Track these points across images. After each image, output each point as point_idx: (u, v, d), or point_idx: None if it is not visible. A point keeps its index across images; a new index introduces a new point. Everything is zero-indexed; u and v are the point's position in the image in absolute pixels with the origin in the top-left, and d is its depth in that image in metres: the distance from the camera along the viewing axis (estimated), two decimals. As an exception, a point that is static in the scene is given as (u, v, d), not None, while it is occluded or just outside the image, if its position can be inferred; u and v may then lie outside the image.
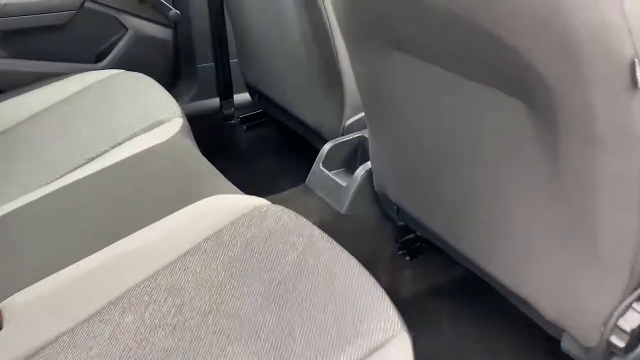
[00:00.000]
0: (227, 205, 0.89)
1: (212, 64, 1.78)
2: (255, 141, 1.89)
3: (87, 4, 1.49)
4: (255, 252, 0.76)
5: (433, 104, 0.87)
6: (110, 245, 0.80)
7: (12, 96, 1.38)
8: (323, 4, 1.20)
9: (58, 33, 1.49)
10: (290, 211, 0.83)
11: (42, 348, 0.68)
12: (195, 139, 1.19)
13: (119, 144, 1.11)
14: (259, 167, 1.76)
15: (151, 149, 1.08)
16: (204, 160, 1.09)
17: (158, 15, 1.64)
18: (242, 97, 1.88)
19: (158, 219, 0.87)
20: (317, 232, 0.78)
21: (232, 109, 1.87)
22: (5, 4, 1.37)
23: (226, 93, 1.84)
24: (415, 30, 0.78)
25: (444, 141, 0.89)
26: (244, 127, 1.89)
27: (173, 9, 1.62)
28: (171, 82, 1.78)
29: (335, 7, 0.93)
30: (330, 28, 1.21)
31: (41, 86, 1.41)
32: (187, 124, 1.20)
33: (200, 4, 1.67)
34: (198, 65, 1.77)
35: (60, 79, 1.43)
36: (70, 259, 0.78)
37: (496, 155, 0.80)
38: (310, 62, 1.32)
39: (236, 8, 1.55)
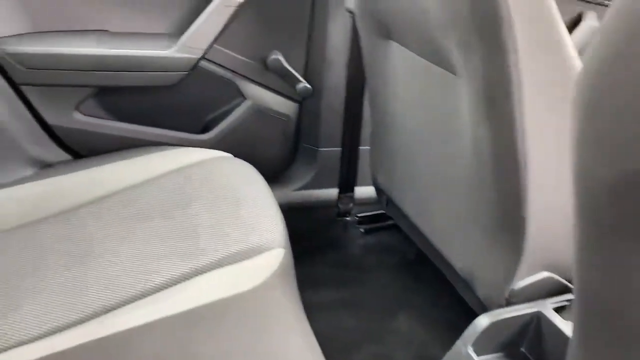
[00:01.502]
0: None
1: (338, 149, 1.45)
2: (372, 249, 1.51)
3: (203, 64, 1.22)
4: None
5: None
6: None
7: (98, 163, 1.13)
8: (520, 110, 0.80)
9: (162, 95, 1.23)
10: None
11: None
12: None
13: (198, 272, 0.78)
14: (371, 284, 1.38)
15: (236, 296, 0.74)
16: (299, 314, 0.73)
17: (284, 86, 1.34)
18: (365, 191, 1.52)
19: None
20: None
21: (351, 205, 1.52)
22: (105, 56, 1.13)
23: (347, 185, 1.50)
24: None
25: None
26: (362, 229, 1.53)
27: (304, 81, 1.31)
28: (285, 163, 1.47)
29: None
30: (525, 151, 0.81)
31: (132, 156, 1.15)
32: (291, 256, 0.85)
33: (337, 80, 1.35)
34: (320, 149, 1.44)
35: (156, 150, 1.17)
36: None
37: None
38: (478, 190, 0.92)
39: (379, 91, 1.20)
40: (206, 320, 0.74)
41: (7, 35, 1.09)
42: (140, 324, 0.72)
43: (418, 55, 0.96)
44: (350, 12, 1.20)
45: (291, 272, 0.85)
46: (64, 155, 1.21)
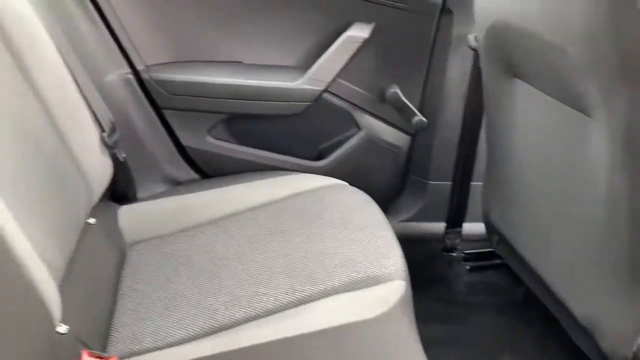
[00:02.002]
0: None
1: (448, 183, 1.45)
2: (478, 287, 1.49)
3: (325, 96, 1.28)
4: None
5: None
6: None
7: (224, 184, 1.21)
8: None
9: (282, 122, 1.30)
10: None
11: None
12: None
13: (322, 295, 0.82)
14: (476, 323, 1.35)
15: (360, 323, 0.76)
16: (417, 348, 0.74)
17: (398, 118, 1.37)
18: (473, 227, 1.50)
19: None
20: None
21: (458, 240, 1.51)
22: (239, 85, 1.22)
23: (456, 220, 1.49)
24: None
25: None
26: (468, 267, 1.50)
27: (419, 115, 1.33)
28: (393, 194, 1.49)
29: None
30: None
31: (255, 179, 1.23)
32: (410, 288, 0.86)
33: (452, 114, 1.36)
34: (430, 182, 1.45)
35: (273, 175, 1.23)
36: None
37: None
38: (610, 236, 0.89)
39: (500, 128, 1.19)
40: (328, 342, 0.77)
41: (154, 63, 1.21)
42: (265, 341, 0.76)
43: (547, 94, 0.95)
44: (474, 49, 1.21)
45: (410, 304, 0.86)
46: (193, 175, 1.31)
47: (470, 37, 1.22)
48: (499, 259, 1.46)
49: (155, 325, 0.80)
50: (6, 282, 0.62)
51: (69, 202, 0.88)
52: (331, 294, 0.80)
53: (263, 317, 0.79)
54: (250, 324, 0.78)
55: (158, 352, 0.76)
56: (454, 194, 1.45)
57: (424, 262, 1.52)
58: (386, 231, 0.97)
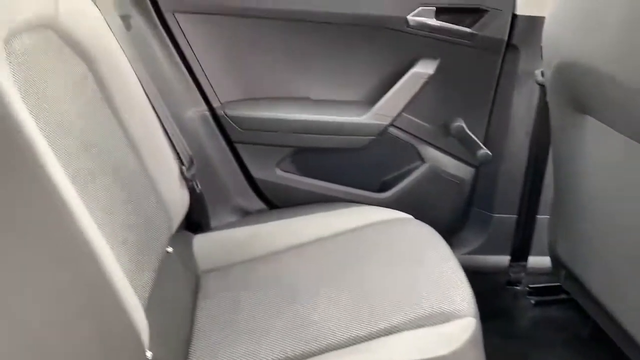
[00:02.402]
0: None
1: (514, 216, 1.44)
2: (543, 322, 1.46)
3: (390, 130, 1.31)
4: None
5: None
6: None
7: (286, 215, 1.25)
8: None
9: (348, 156, 1.34)
10: None
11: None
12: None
13: (386, 332, 0.83)
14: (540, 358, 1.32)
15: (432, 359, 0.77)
16: None
17: (462, 150, 1.38)
18: (538, 261, 1.48)
19: None
20: None
21: (523, 274, 1.49)
22: (306, 120, 1.27)
23: (520, 254, 1.47)
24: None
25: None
26: (532, 301, 1.48)
27: (484, 148, 1.34)
28: (456, 225, 1.49)
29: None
30: None
31: (318, 209, 1.26)
32: (480, 328, 0.87)
33: (517, 147, 1.36)
34: (495, 215, 1.44)
35: (339, 207, 1.26)
36: None
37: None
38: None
39: (568, 163, 1.18)
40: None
41: (229, 100, 1.28)
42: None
43: (619, 132, 0.94)
44: (540, 84, 1.22)
45: (481, 341, 0.86)
46: (262, 205, 1.36)
47: (537, 73, 1.22)
48: (565, 294, 1.43)
49: (233, 351, 0.84)
50: (101, 309, 0.68)
51: (152, 232, 0.94)
52: (401, 330, 0.82)
53: (335, 350, 0.81)
54: (327, 355, 0.80)
55: None
56: (519, 227, 1.44)
57: (488, 296, 1.49)
58: (453, 266, 0.98)
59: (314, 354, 0.82)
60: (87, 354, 0.65)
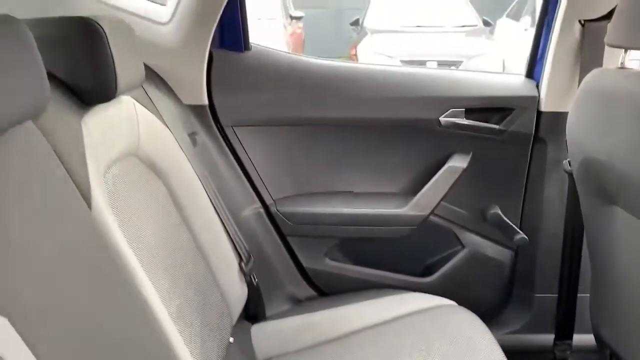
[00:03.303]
0: None
1: (554, 295, 1.48)
2: (593, 402, 1.46)
3: (431, 218, 1.41)
4: None
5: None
6: None
7: (336, 302, 1.33)
8: None
9: (392, 243, 1.44)
10: None
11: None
12: None
13: None
14: None
15: None
16: None
17: (500, 235, 1.46)
18: (583, 339, 1.50)
19: None
20: None
21: (568, 353, 1.51)
22: (351, 213, 1.38)
23: (564, 332, 1.50)
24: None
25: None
26: (581, 380, 1.49)
27: (521, 233, 1.42)
28: (499, 306, 1.54)
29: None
30: None
31: (366, 296, 1.34)
32: None
33: (553, 229, 1.43)
34: (536, 295, 1.49)
35: (386, 294, 1.34)
36: None
37: None
38: None
39: (601, 251, 1.24)
40: None
41: (280, 197, 1.41)
42: None
43: None
44: (568, 173, 1.30)
45: None
46: (312, 292, 1.46)
47: (565, 163, 1.31)
48: (615, 373, 1.44)
49: None
50: None
51: (216, 325, 1.04)
52: None
53: None
54: None
55: None
56: (561, 305, 1.48)
57: (535, 376, 1.52)
58: (499, 354, 1.04)
59: None
60: None
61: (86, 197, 0.71)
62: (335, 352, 1.16)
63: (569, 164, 1.28)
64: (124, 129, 0.91)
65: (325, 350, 1.17)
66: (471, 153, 1.38)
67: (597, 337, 1.40)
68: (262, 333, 1.27)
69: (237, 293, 1.18)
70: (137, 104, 0.97)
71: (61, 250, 0.60)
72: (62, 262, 0.59)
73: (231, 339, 1.12)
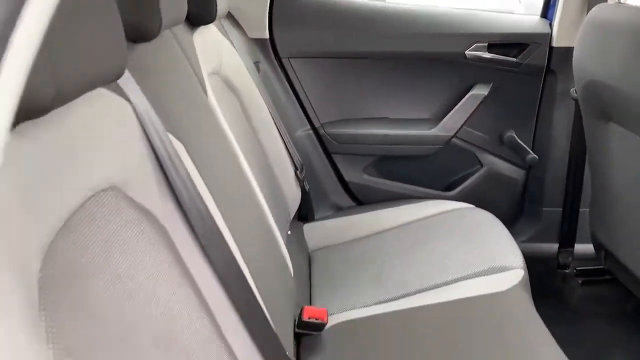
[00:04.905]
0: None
1: (559, 209, 1.72)
2: (589, 299, 1.72)
3: (453, 141, 1.65)
4: None
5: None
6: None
7: (371, 210, 1.59)
8: None
9: (420, 161, 1.68)
10: None
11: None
12: None
13: (456, 280, 1.16)
14: (586, 329, 1.58)
15: (490, 296, 1.09)
16: (539, 322, 1.04)
17: (514, 156, 1.69)
18: (583, 248, 1.75)
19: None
20: None
21: (570, 259, 1.76)
22: (386, 135, 1.63)
23: (567, 241, 1.75)
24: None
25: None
26: (579, 281, 1.75)
27: (532, 153, 1.65)
28: (512, 219, 1.78)
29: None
30: None
31: (397, 205, 1.59)
32: (527, 277, 1.17)
33: (560, 152, 1.66)
34: (544, 209, 1.74)
35: (414, 202, 1.59)
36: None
37: None
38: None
39: (600, 165, 1.48)
40: (474, 308, 1.09)
41: (326, 121, 1.66)
42: (427, 304, 1.11)
43: (637, 134, 1.22)
44: (575, 99, 1.52)
45: (528, 287, 1.17)
46: (351, 202, 1.72)
47: (572, 91, 1.53)
48: (609, 275, 1.68)
49: (344, 292, 1.18)
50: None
51: (282, 216, 1.31)
52: (469, 278, 1.15)
53: (422, 292, 1.15)
54: (413, 296, 1.14)
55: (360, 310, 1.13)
56: (565, 218, 1.72)
57: (540, 278, 1.77)
58: (507, 237, 1.29)
59: (399, 298, 1.15)
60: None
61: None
62: (371, 244, 1.42)
63: (575, 92, 1.50)
64: (215, 50, 1.16)
65: (362, 242, 1.44)
66: (491, 83, 1.61)
67: (594, 241, 1.65)
68: (311, 230, 1.54)
69: (293, 194, 1.44)
70: (219, 32, 1.22)
71: None
72: None
73: (289, 232, 1.39)
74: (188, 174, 0.68)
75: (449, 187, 1.73)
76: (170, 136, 0.66)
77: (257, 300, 0.77)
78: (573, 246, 1.75)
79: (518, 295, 1.11)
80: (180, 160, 0.67)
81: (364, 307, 1.14)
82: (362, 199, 1.72)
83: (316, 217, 1.63)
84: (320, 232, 1.54)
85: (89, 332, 0.43)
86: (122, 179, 0.54)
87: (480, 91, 1.60)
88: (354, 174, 1.69)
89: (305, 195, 1.52)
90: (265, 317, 0.78)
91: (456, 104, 1.61)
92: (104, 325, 0.45)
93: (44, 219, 0.41)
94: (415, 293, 1.15)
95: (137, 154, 0.59)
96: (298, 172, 1.47)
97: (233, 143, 1.00)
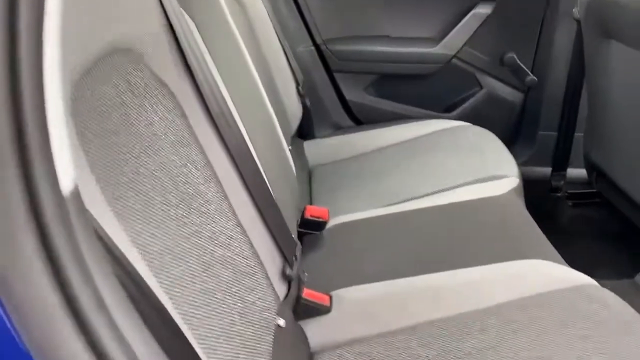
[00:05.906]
0: (549, 273, 0.88)
1: (555, 133, 1.76)
2: (579, 220, 1.78)
3: (454, 61, 1.65)
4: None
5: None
6: (435, 274, 0.88)
7: (371, 129, 1.62)
8: None
9: (420, 82, 1.70)
10: (624, 302, 0.78)
11: (353, 341, 0.79)
12: None
13: (453, 187, 1.20)
14: (576, 247, 1.65)
15: (485, 199, 1.14)
16: (532, 223, 1.09)
17: (514, 78, 1.71)
18: (575, 172, 1.79)
19: (477, 264, 0.92)
20: None
21: (562, 182, 1.81)
22: (388, 52, 1.63)
23: (560, 165, 1.79)
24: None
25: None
26: (570, 203, 1.80)
27: (531, 75, 1.66)
28: (509, 141, 1.81)
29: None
30: None
31: (396, 124, 1.62)
32: (522, 185, 1.22)
33: (559, 74, 1.67)
34: (540, 132, 1.77)
35: (413, 122, 1.62)
36: (399, 273, 0.89)
37: None
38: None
39: (599, 82, 1.49)
40: (469, 209, 1.14)
41: (328, 38, 1.66)
42: (422, 207, 1.15)
43: (637, 50, 1.24)
44: (577, 20, 1.52)
45: (522, 193, 1.21)
46: (350, 122, 1.74)
47: (574, 11, 1.53)
48: (599, 198, 1.74)
49: (341, 195, 1.23)
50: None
51: (284, 130, 1.33)
52: (468, 184, 1.19)
53: (420, 198, 1.19)
54: (411, 201, 1.18)
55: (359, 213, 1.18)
56: (559, 143, 1.75)
57: (533, 200, 1.82)
58: (505, 152, 1.33)
59: (396, 203, 1.20)
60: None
61: None
62: (370, 160, 1.45)
63: (578, 13, 1.50)
64: None
65: (361, 158, 1.47)
66: (495, 3, 1.60)
67: (587, 162, 1.69)
68: (312, 147, 1.57)
69: (295, 109, 1.46)
70: None
71: None
72: None
73: (290, 147, 1.42)
74: (202, 55, 0.69)
75: (449, 109, 1.75)
76: (184, 13, 0.68)
77: (267, 186, 0.81)
78: (566, 170, 1.79)
79: (512, 199, 1.16)
80: (195, 41, 0.68)
81: (362, 211, 1.19)
82: (362, 119, 1.74)
83: (317, 134, 1.66)
84: (320, 149, 1.57)
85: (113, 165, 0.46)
86: (140, 44, 0.56)
87: (483, 10, 1.60)
88: (354, 93, 1.71)
89: (306, 111, 1.54)
90: (274, 203, 0.82)
91: (458, 23, 1.61)
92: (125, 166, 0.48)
93: (73, 55, 0.43)
94: (412, 199, 1.20)
95: (155, 24, 0.61)
96: (300, 87, 1.49)
97: (240, 41, 1.01)
